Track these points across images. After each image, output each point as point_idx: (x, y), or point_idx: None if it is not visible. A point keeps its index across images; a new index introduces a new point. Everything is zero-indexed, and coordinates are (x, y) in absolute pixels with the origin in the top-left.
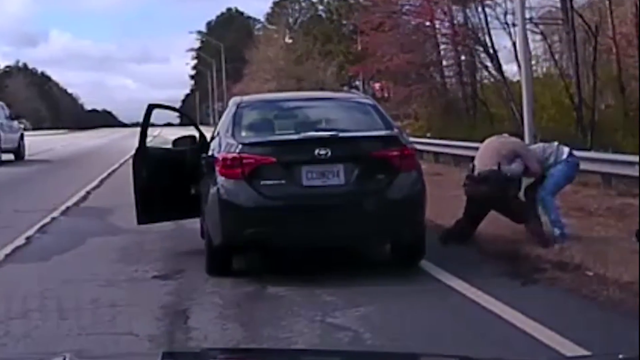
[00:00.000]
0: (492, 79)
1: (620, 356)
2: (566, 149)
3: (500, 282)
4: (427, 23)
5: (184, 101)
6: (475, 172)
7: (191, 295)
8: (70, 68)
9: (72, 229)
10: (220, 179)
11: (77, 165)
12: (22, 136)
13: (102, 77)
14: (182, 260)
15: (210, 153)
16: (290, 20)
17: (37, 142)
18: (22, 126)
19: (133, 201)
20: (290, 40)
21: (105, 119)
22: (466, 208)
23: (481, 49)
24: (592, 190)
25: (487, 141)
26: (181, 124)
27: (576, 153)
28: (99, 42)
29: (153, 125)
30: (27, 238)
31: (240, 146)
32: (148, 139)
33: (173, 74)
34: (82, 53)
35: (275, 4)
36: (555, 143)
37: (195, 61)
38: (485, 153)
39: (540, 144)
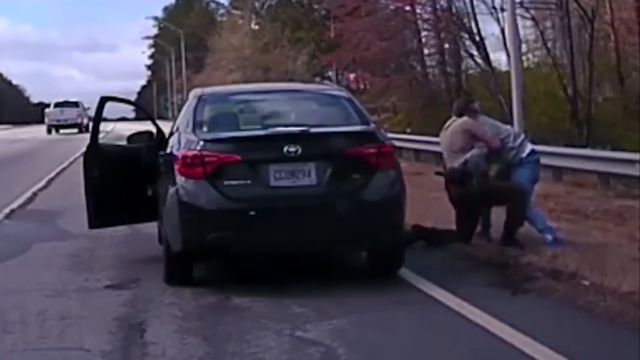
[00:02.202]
0: (478, 69)
1: None
2: (529, 147)
3: (488, 292)
4: (407, 7)
5: (139, 93)
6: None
7: (148, 307)
8: (8, 57)
9: (17, 234)
10: (180, 179)
11: (23, 163)
12: None
13: (44, 67)
14: (137, 269)
15: (168, 150)
16: (257, 4)
17: None
18: None
19: (84, 203)
20: (256, 27)
21: None
22: (459, 210)
23: (466, 36)
24: (588, 192)
25: (442, 135)
26: (137, 119)
27: (571, 150)
28: (40, 28)
29: (106, 119)
30: None
31: (201, 143)
32: (100, 135)
33: (124, 64)
34: (22, 40)
35: None
36: (523, 135)
37: (152, 50)
38: (449, 148)
39: (504, 125)
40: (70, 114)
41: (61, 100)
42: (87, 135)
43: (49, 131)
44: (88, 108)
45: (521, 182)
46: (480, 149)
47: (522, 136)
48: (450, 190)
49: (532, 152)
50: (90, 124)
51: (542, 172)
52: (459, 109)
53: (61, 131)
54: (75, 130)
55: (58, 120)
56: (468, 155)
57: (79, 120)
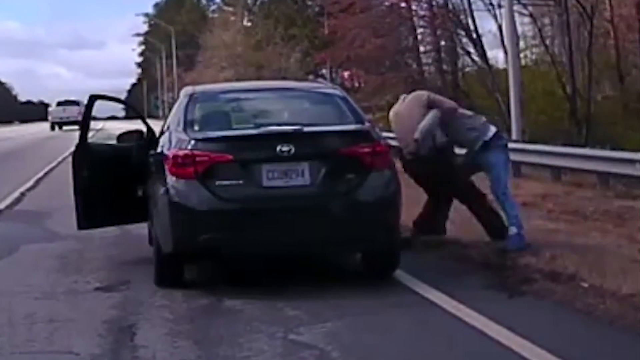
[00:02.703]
0: (475, 67)
1: None
2: (493, 129)
3: (485, 294)
4: (403, 4)
5: (129, 91)
6: (405, 151)
7: (138, 309)
8: None
9: (5, 235)
10: (171, 179)
11: (11, 163)
12: None
13: (31, 64)
14: (127, 270)
15: (159, 150)
16: (249, 1)
17: None
18: None
19: (73, 204)
20: (249, 24)
21: (41, 112)
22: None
23: (463, 33)
24: (587, 192)
25: (393, 119)
26: (127, 117)
27: (570, 150)
28: (26, 24)
29: (95, 118)
30: None
31: (192, 142)
32: (90, 134)
33: (113, 62)
34: (9, 37)
35: None
36: (484, 118)
37: (142, 47)
38: (401, 129)
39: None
40: (71, 112)
41: (62, 99)
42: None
43: (52, 128)
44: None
45: (495, 166)
46: (435, 114)
47: (483, 118)
48: (408, 169)
49: (498, 135)
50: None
51: (541, 172)
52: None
53: (64, 128)
54: (77, 127)
55: (60, 118)
56: (421, 124)
57: (80, 118)
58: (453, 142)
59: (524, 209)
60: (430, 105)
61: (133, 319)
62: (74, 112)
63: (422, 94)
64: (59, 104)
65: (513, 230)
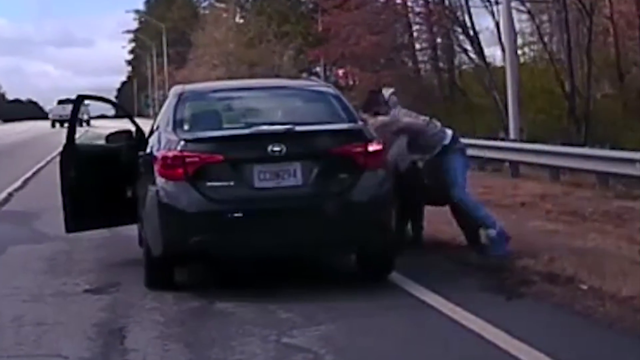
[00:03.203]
0: (472, 65)
1: None
2: (449, 132)
3: (482, 296)
4: (398, 0)
5: (119, 90)
6: None
7: (128, 312)
8: None
9: None
10: (160, 180)
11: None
12: None
13: (19, 62)
14: (117, 272)
15: (148, 150)
16: None
17: None
18: None
19: (61, 205)
20: (241, 21)
21: (30, 110)
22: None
23: (460, 30)
24: (586, 192)
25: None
26: (116, 116)
27: (569, 149)
28: (14, 21)
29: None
30: None
31: (182, 143)
32: (78, 134)
33: (102, 60)
34: None
35: None
36: (439, 122)
37: (132, 44)
38: None
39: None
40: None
41: (64, 98)
42: (80, 130)
43: (53, 125)
44: (88, 104)
45: (455, 169)
46: (400, 141)
47: (439, 123)
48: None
49: (455, 138)
50: (89, 119)
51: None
52: (368, 106)
53: (65, 125)
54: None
55: (61, 116)
56: (390, 152)
57: (79, 116)
58: (416, 151)
59: (522, 210)
60: (398, 132)
61: (123, 321)
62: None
63: (392, 122)
64: (60, 102)
65: (491, 233)
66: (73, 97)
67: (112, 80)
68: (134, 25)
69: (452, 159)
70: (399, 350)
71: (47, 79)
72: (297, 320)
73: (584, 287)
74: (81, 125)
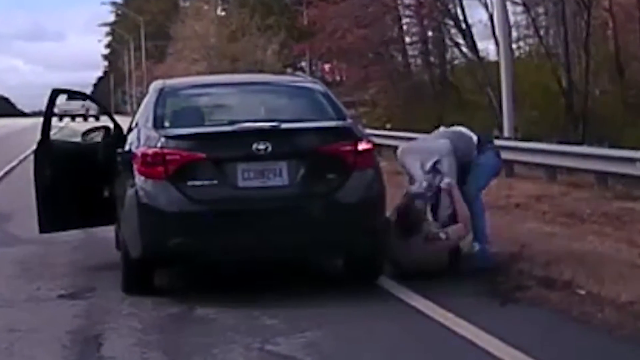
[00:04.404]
0: (464, 59)
1: None
2: (472, 134)
3: (475, 302)
4: None
5: (96, 85)
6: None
7: (104, 318)
8: None
9: None
10: (139, 179)
11: None
12: None
13: None
14: (93, 276)
15: (127, 148)
16: None
17: None
18: None
19: (34, 205)
20: (223, 13)
21: (1, 107)
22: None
23: (452, 23)
24: (584, 192)
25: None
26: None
27: (566, 148)
28: None
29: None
30: None
31: (162, 140)
32: (52, 131)
33: (76, 54)
34: None
35: None
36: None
37: (108, 38)
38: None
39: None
40: (76, 105)
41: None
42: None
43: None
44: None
45: (485, 166)
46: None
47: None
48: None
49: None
50: (93, 113)
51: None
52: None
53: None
54: (80, 119)
55: (65, 111)
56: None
57: (83, 111)
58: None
59: (517, 211)
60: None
61: (99, 328)
62: (78, 105)
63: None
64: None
65: (475, 247)
66: (78, 90)
67: (87, 76)
68: (110, 18)
69: (486, 156)
70: (387, 358)
71: (16, 74)
72: (282, 326)
73: (582, 292)
74: (86, 120)
